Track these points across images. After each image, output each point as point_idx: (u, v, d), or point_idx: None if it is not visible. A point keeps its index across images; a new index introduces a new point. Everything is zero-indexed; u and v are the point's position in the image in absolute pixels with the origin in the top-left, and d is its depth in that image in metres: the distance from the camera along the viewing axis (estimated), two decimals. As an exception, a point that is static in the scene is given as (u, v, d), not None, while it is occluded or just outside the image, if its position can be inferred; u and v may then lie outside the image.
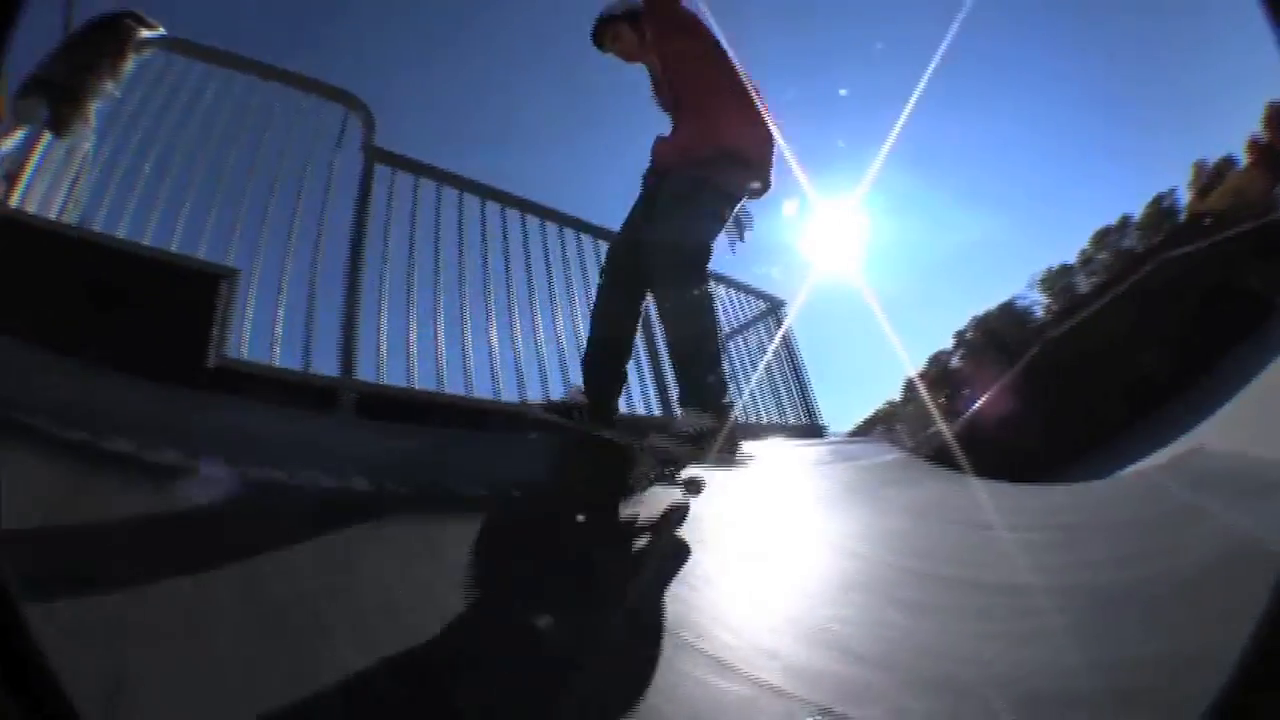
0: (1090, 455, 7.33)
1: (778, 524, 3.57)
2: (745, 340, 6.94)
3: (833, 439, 7.33)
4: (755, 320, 7.02)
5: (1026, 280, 22.42)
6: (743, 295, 6.99)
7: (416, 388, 3.91)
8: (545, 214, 5.04)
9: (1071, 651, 2.06)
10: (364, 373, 3.70)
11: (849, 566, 2.96)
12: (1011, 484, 5.29)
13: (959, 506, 4.60)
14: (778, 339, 7.12)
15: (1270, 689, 0.97)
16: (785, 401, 7.00)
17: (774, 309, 7.15)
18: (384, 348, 3.84)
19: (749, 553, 2.92)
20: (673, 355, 3.44)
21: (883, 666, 1.97)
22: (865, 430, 12.59)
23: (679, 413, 3.19)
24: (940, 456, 6.98)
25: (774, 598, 2.49)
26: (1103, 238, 22.98)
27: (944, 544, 3.63)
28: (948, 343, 20.81)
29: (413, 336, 3.98)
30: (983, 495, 4.76)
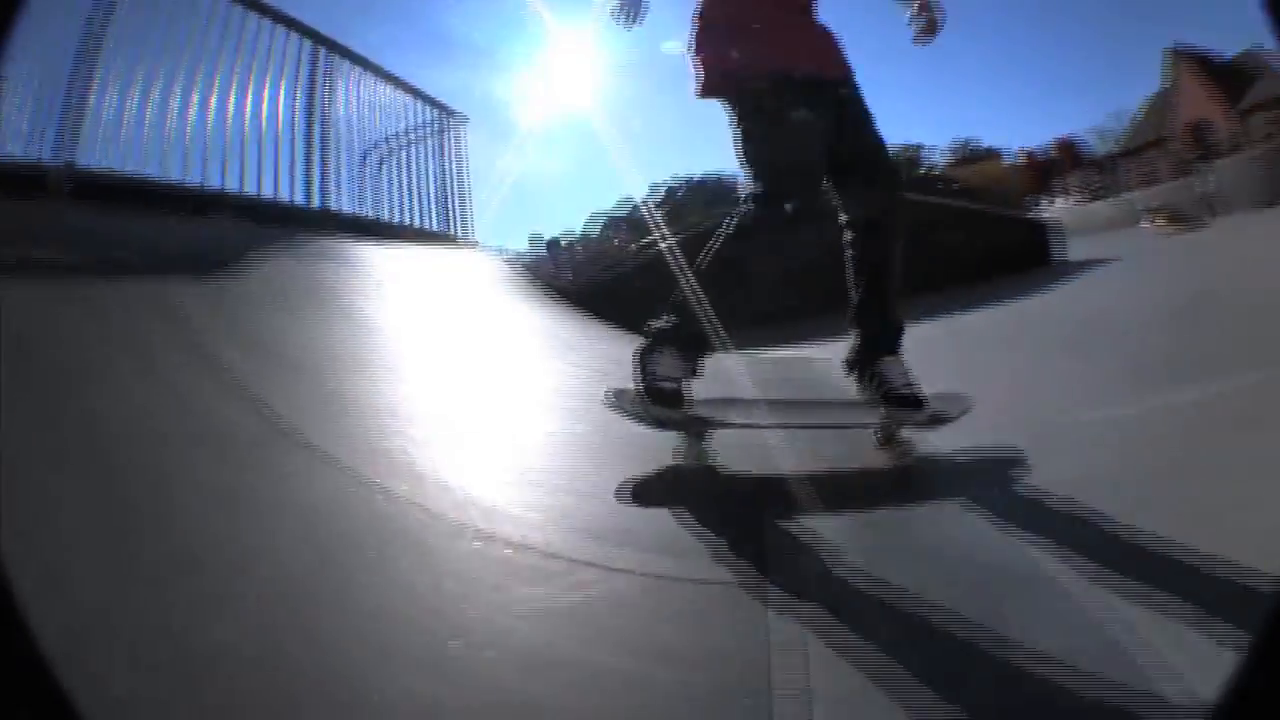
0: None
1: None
2: (415, 147, 7.29)
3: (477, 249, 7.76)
4: (426, 129, 7.41)
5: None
6: (418, 101, 7.35)
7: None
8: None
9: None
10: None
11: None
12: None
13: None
14: (448, 149, 7.61)
15: (1271, 691, 0.92)
16: (443, 212, 7.54)
17: (449, 119, 7.60)
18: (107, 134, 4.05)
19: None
20: (887, 276, 2.84)
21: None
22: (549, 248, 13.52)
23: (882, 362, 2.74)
24: (586, 299, 7.39)
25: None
26: None
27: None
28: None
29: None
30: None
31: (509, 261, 7.94)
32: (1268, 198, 15.14)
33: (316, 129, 5.91)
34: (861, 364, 2.77)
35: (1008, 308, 7.77)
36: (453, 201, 7.66)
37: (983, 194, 16.82)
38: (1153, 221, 17.11)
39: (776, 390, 3.68)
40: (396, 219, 6.84)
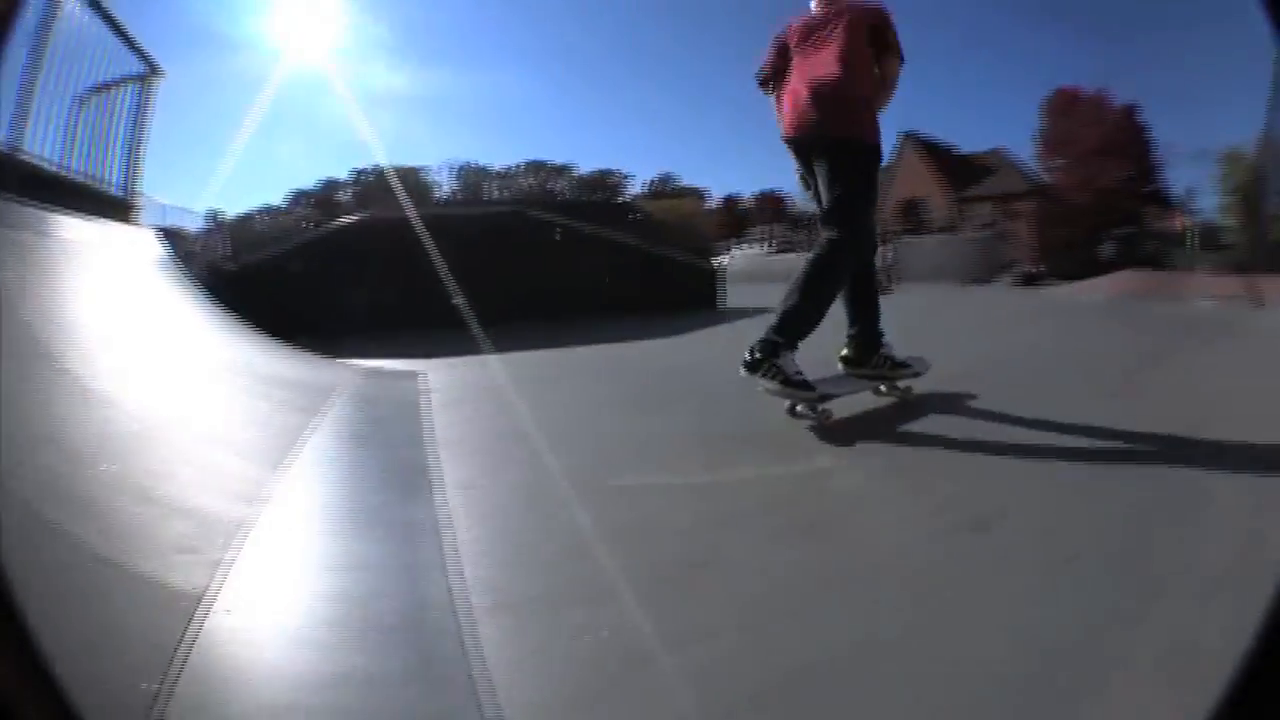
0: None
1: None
2: (109, 100, 6.68)
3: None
4: (123, 79, 6.87)
5: (444, 161, 24.47)
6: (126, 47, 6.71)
7: None
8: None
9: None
10: None
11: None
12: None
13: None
14: (141, 109, 7.10)
15: (1272, 691, 0.95)
16: (125, 178, 6.95)
17: (152, 75, 7.15)
18: None
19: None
20: (875, 296, 4.33)
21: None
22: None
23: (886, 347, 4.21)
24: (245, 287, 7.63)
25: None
26: (539, 169, 26.22)
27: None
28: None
29: None
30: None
31: (171, 239, 7.58)
32: (973, 275, 17.94)
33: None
34: (869, 353, 4.16)
35: (636, 347, 8.17)
36: (133, 168, 7.05)
37: (671, 229, 18.03)
38: None
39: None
40: (73, 175, 6.08)
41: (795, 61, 4.03)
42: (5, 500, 1.88)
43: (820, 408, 3.73)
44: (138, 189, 7.08)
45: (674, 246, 14.87)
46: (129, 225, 6.67)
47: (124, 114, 6.93)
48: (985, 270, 21.01)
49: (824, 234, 3.88)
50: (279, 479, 2.81)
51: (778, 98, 4.15)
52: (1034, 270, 24.83)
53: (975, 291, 16.14)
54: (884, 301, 4.25)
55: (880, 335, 4.19)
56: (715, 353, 7.59)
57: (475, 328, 7.22)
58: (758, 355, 3.72)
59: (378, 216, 12.41)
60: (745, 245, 36.82)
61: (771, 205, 41.01)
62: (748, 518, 2.60)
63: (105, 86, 6.60)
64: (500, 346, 7.21)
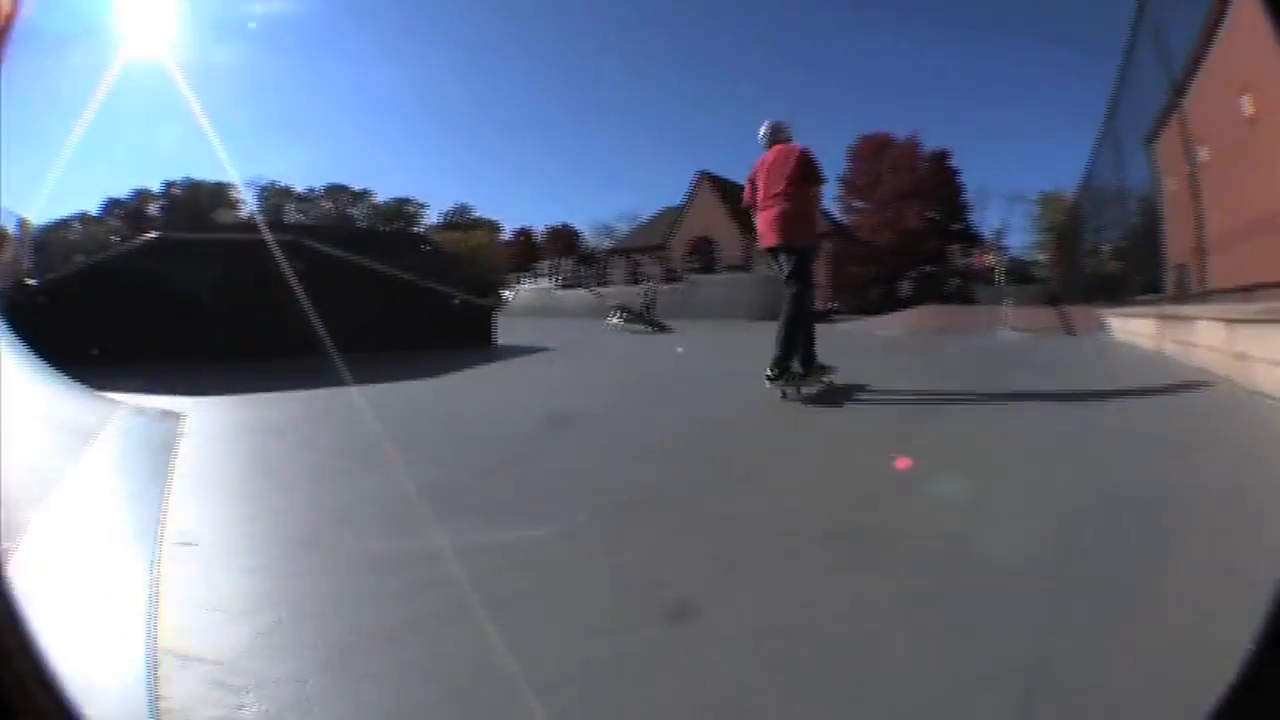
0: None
1: None
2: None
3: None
4: None
5: (251, 179, 23.77)
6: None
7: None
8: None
9: None
10: None
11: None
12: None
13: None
14: None
15: (1272, 690, 0.97)
16: None
17: None
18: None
19: None
20: (812, 329, 6.38)
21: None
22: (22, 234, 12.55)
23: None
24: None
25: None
26: (339, 194, 26.26)
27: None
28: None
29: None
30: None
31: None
32: (763, 312, 17.80)
33: None
34: (809, 365, 6.22)
35: (398, 388, 8.02)
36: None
37: (460, 261, 18.47)
38: (617, 317, 19.81)
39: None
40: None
41: (760, 194, 6.34)
42: None
43: (802, 390, 6.11)
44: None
45: (455, 280, 14.89)
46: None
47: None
48: (776, 308, 21.96)
49: (789, 290, 6.19)
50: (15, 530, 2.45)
51: (757, 217, 6.40)
52: (825, 307, 26.60)
53: (765, 327, 16.44)
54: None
55: (814, 355, 6.28)
56: (476, 397, 7.90)
57: (246, 362, 7.30)
58: (775, 372, 6.01)
59: (168, 237, 12.12)
60: (533, 279, 37.07)
61: (562, 239, 41.94)
62: (451, 585, 2.46)
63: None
64: (266, 385, 7.34)
